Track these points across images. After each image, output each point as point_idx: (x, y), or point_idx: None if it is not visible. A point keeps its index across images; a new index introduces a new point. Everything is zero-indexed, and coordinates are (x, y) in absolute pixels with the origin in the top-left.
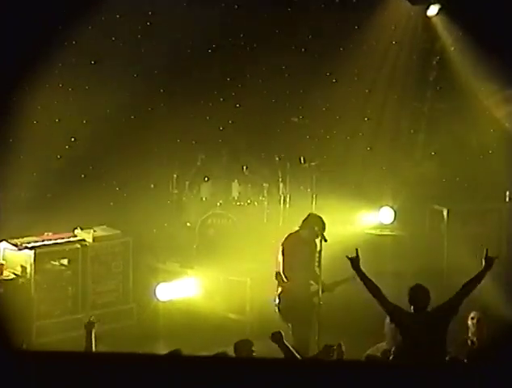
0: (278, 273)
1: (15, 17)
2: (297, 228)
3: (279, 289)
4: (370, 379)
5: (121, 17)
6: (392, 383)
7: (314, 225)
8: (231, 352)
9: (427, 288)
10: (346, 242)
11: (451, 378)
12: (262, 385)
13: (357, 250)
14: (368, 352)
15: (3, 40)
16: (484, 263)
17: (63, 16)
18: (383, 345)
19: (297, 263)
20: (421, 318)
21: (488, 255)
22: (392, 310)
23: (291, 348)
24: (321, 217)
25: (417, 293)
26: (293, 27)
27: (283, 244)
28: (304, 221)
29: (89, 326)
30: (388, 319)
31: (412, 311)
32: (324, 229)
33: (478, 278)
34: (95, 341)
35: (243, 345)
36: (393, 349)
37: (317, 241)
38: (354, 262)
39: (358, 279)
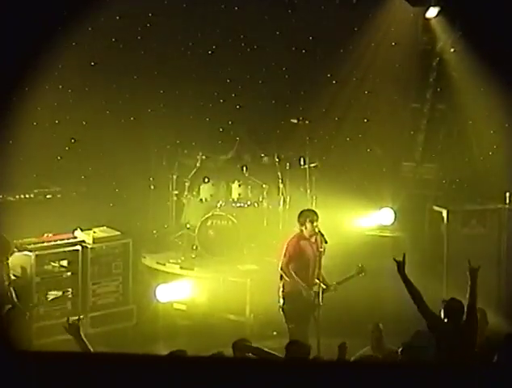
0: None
1: (15, 17)
2: (297, 229)
3: (281, 289)
4: (370, 379)
5: (121, 18)
6: (392, 383)
7: (308, 219)
8: (229, 352)
9: (461, 301)
10: (346, 244)
11: (451, 378)
12: (262, 385)
13: (404, 254)
14: (353, 358)
15: (3, 40)
16: (469, 276)
17: (63, 17)
18: (368, 350)
19: (301, 263)
20: (457, 327)
21: (471, 265)
22: (431, 317)
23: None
24: (311, 210)
25: (453, 308)
26: (293, 28)
27: (287, 244)
28: (298, 219)
29: (72, 329)
30: (371, 327)
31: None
32: (317, 219)
33: (472, 293)
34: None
35: (241, 344)
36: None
37: (319, 240)
38: (401, 265)
39: (361, 276)
